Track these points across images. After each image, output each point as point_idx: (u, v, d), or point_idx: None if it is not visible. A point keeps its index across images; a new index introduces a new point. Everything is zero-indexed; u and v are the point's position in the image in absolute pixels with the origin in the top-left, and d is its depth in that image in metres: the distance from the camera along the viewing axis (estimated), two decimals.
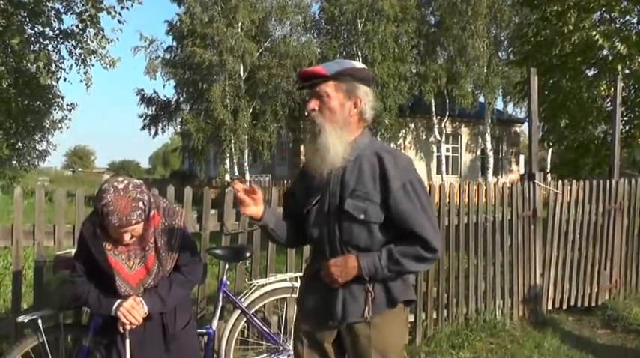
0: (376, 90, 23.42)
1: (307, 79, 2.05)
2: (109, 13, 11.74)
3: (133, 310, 2.28)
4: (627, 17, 11.62)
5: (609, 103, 10.86)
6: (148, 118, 28.62)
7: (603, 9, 11.39)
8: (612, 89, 6.72)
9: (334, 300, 2.05)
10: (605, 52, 10.99)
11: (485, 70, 25.60)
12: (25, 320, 2.83)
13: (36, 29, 12.97)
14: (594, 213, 5.56)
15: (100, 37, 12.33)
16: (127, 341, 2.36)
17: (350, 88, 2.03)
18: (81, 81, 13.46)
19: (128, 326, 2.31)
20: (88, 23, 12.04)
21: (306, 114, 2.05)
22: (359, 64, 2.10)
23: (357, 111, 2.05)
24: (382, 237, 2.02)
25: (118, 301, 2.30)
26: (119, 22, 12.12)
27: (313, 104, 2.03)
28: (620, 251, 5.75)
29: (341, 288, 2.04)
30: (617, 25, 11.72)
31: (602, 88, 10.83)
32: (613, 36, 10.69)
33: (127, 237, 2.22)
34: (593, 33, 10.38)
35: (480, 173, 27.76)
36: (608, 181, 5.71)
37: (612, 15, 11.55)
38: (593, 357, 4.34)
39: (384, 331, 2.08)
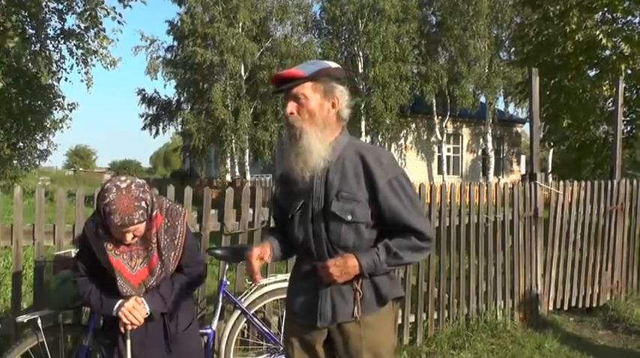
0: (377, 90, 23.62)
1: (283, 83, 2.03)
2: (107, 13, 11.72)
3: (134, 310, 2.27)
4: (630, 17, 11.61)
5: (611, 104, 10.86)
6: (148, 118, 28.67)
7: (606, 9, 11.37)
8: (614, 89, 6.71)
9: (323, 301, 2.04)
10: (607, 52, 10.99)
11: (487, 70, 25.61)
12: (25, 320, 2.83)
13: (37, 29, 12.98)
14: (596, 213, 5.55)
15: (101, 37, 12.32)
16: (128, 342, 2.35)
17: (328, 88, 2.01)
18: (82, 81, 13.47)
19: (129, 327, 2.30)
20: (89, 23, 12.03)
21: (285, 118, 2.03)
22: (334, 64, 2.08)
23: (335, 111, 2.03)
24: (369, 235, 2.02)
25: (120, 301, 2.29)
26: (119, 22, 12.12)
27: (291, 108, 2.01)
28: (621, 252, 5.73)
29: (329, 289, 2.03)
30: (620, 25, 11.71)
31: (604, 88, 10.81)
32: (616, 35, 10.68)
33: (129, 237, 2.20)
34: (597, 32, 10.37)
35: (481, 173, 27.75)
36: (609, 182, 5.70)
37: (615, 15, 11.54)
38: None
39: (376, 330, 2.07)
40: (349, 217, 1.97)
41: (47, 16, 12.16)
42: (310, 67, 2.02)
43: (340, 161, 2.02)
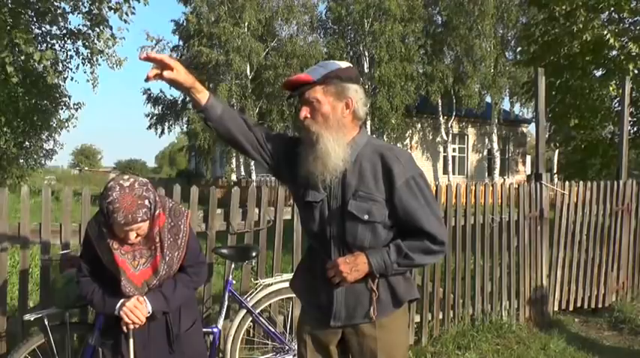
0: (383, 90, 23.59)
1: (294, 88, 2.03)
2: (115, 11, 11.75)
3: (135, 309, 2.27)
4: (637, 17, 11.56)
5: (617, 104, 10.82)
6: (154, 118, 28.75)
7: (612, 8, 11.33)
8: (621, 89, 6.69)
9: (338, 301, 2.04)
10: (614, 52, 10.95)
11: (492, 70, 25.54)
12: (32, 318, 2.85)
13: (43, 28, 13.04)
14: (602, 214, 5.53)
15: (106, 36, 12.35)
16: (131, 341, 2.35)
17: (339, 90, 1.99)
18: (87, 80, 13.53)
19: (131, 326, 2.30)
20: (95, 21, 12.06)
21: (300, 122, 2.02)
22: (344, 64, 2.05)
23: (349, 112, 2.02)
24: (386, 235, 2.00)
25: (122, 300, 2.29)
26: (125, 21, 12.15)
27: (305, 112, 2.00)
28: (627, 252, 5.72)
29: (344, 288, 2.02)
30: (627, 25, 11.67)
31: (611, 88, 10.77)
32: (623, 35, 10.64)
33: (132, 236, 2.20)
34: (605, 32, 10.33)
35: (486, 173, 27.69)
36: (615, 182, 5.68)
37: (622, 15, 11.49)
38: None
39: (391, 332, 2.06)
40: (366, 216, 1.96)
41: (54, 13, 12.20)
42: (319, 71, 2.01)
43: (358, 161, 2.00)
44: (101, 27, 12.27)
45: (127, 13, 11.85)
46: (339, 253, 2.01)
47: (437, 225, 1.98)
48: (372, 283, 2.01)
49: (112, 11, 11.78)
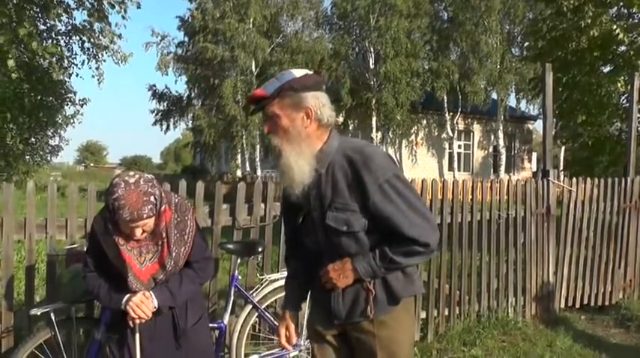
0: (388, 86, 23.54)
1: (256, 104, 2.00)
2: (113, 7, 11.73)
3: (142, 304, 2.27)
4: None
5: (626, 100, 10.75)
6: (159, 114, 28.80)
7: (621, 3, 11.24)
8: (629, 86, 6.63)
9: (336, 301, 2.05)
10: (623, 47, 10.86)
11: (498, 67, 25.47)
12: (38, 313, 2.86)
13: (48, 24, 13.04)
14: (609, 211, 5.50)
15: (107, 32, 12.35)
16: (137, 336, 2.36)
17: (295, 101, 1.94)
18: (93, 76, 13.51)
19: (137, 321, 2.30)
20: (97, 17, 12.07)
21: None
22: (299, 72, 1.97)
23: (311, 121, 1.96)
24: (370, 241, 1.96)
25: (128, 295, 2.29)
26: (123, 17, 12.14)
27: (267, 127, 1.98)
28: (635, 250, 5.68)
29: (342, 289, 2.03)
30: (636, 20, 11.58)
31: (619, 84, 10.69)
32: (632, 31, 10.55)
33: (138, 232, 2.20)
34: (614, 27, 10.24)
35: (492, 170, 27.63)
36: (623, 179, 5.64)
37: (631, 10, 11.40)
38: (606, 357, 4.29)
39: (392, 329, 2.05)
40: (344, 228, 1.93)
41: (58, 10, 12.20)
42: (274, 84, 1.96)
43: (330, 170, 1.96)
44: (103, 23, 12.27)
45: (125, 10, 11.81)
46: (332, 260, 2.01)
47: (419, 227, 1.91)
48: (369, 283, 2.00)
49: (112, 7, 11.77)
